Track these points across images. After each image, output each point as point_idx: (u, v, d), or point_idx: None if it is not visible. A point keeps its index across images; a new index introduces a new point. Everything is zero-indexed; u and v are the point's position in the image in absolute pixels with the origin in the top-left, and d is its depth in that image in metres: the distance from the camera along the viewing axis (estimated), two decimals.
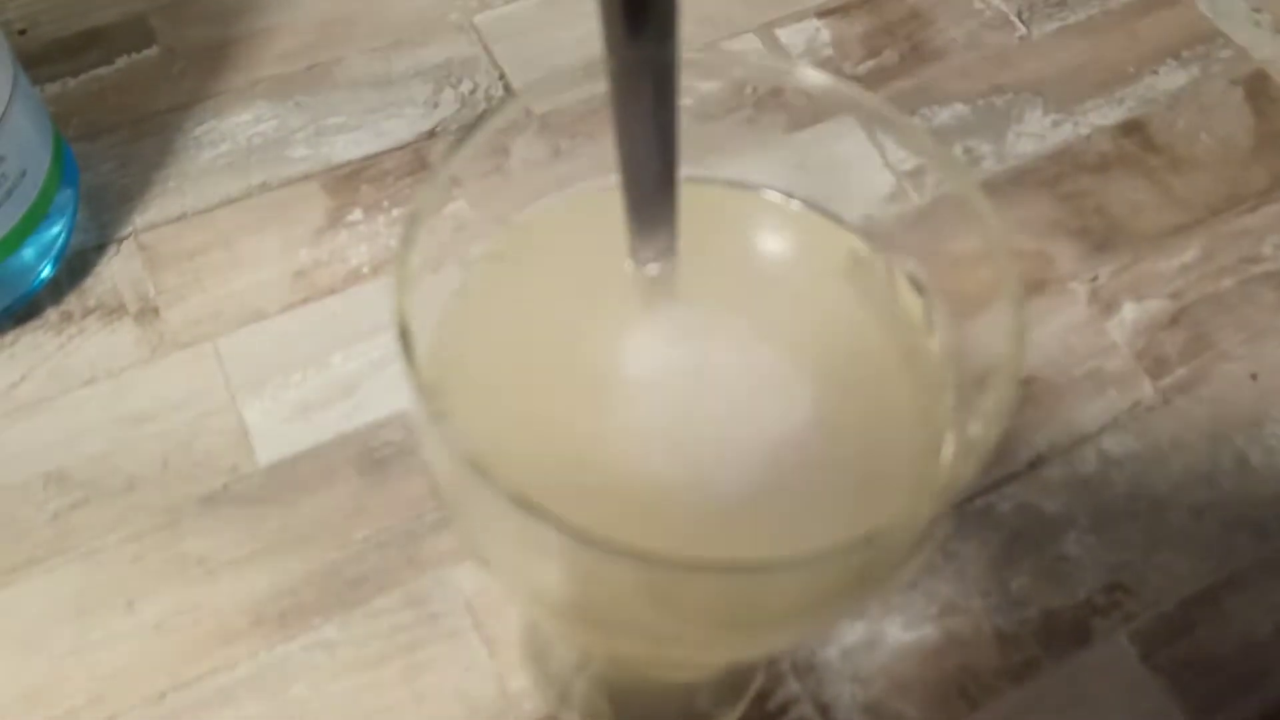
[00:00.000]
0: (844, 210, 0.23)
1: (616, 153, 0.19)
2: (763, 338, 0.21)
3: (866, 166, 0.22)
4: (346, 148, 0.41)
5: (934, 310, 0.21)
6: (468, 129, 0.18)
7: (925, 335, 0.21)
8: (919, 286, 0.22)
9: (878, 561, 0.17)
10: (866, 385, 0.21)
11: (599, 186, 0.22)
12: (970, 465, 0.16)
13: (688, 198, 0.20)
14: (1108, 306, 0.39)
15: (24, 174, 0.34)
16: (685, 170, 0.20)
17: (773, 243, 0.23)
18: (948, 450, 0.19)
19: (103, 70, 0.43)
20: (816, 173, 0.23)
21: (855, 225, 0.23)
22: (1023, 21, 0.46)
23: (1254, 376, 0.37)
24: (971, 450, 0.16)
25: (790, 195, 0.23)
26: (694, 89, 0.21)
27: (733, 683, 0.31)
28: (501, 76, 0.43)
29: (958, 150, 0.42)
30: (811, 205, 0.23)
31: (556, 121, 0.21)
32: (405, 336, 0.17)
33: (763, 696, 0.31)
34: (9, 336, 0.36)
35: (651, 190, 0.19)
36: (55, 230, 0.37)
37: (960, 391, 0.20)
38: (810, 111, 0.21)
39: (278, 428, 0.35)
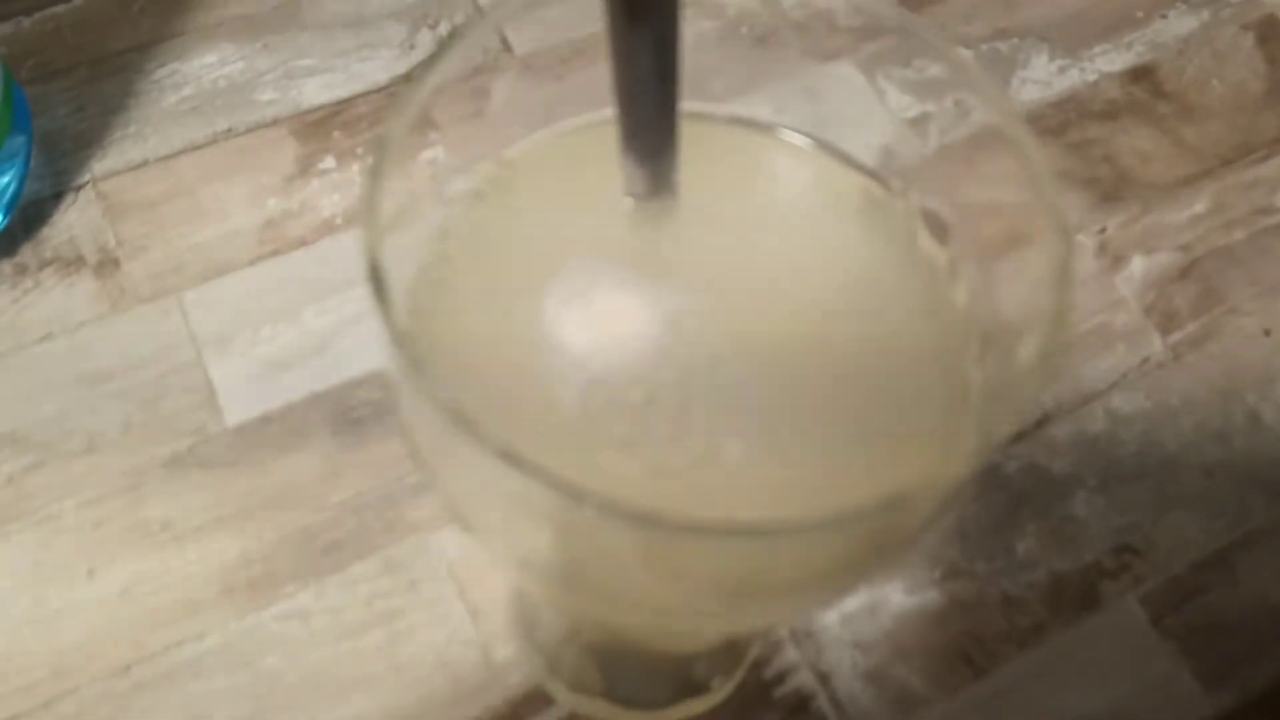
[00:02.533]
0: (859, 150, 0.21)
1: (611, 71, 0.17)
2: (770, 281, 0.19)
3: (875, 104, 0.20)
4: (317, 91, 0.38)
5: (959, 256, 0.20)
6: (439, 51, 0.16)
7: (948, 282, 0.20)
8: (942, 231, 0.20)
9: (902, 525, 0.16)
10: (883, 333, 0.19)
11: (589, 121, 0.21)
12: (1006, 422, 0.15)
13: (687, 135, 0.18)
14: (1116, 259, 0.37)
15: None
16: (683, 105, 0.18)
17: (781, 182, 0.21)
18: (974, 404, 0.18)
19: (59, 9, 0.40)
20: (829, 112, 0.21)
21: (871, 166, 0.21)
22: None
23: (1267, 332, 0.36)
24: (1008, 405, 0.15)
25: (801, 133, 0.21)
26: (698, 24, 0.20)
27: (729, 651, 0.29)
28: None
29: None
30: (824, 145, 0.21)
31: (539, 46, 0.19)
32: (377, 277, 0.15)
33: (760, 664, 0.30)
34: None
35: (650, 113, 0.17)
36: (6, 179, 0.34)
37: (988, 341, 0.18)
38: (822, 45, 0.19)
39: (246, 386, 0.33)
